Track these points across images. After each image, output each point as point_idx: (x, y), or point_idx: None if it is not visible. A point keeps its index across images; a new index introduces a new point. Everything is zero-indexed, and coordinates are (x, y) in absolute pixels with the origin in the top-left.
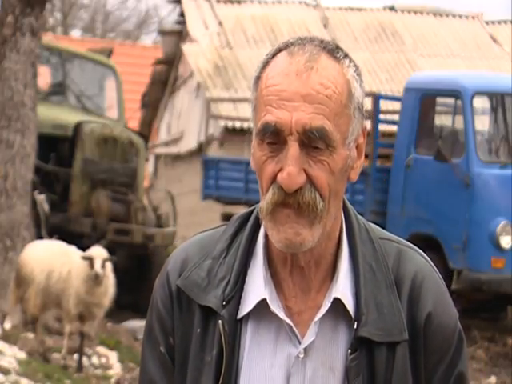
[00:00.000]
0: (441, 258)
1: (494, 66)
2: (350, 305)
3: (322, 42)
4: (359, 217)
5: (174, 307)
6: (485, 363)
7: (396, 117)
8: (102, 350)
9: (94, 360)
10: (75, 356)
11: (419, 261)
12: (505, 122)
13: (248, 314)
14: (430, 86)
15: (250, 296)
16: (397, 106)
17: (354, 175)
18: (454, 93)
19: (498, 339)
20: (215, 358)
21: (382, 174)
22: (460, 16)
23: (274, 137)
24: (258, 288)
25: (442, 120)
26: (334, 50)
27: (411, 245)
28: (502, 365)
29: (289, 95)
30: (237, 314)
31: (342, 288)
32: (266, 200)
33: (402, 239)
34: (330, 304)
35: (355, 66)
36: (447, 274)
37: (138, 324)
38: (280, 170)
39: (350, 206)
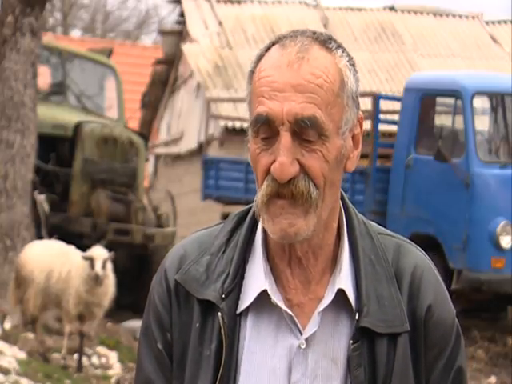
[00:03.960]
0: (441, 258)
1: (494, 66)
2: (351, 296)
3: (314, 33)
4: (357, 212)
5: (172, 303)
6: (485, 363)
7: (396, 117)
8: (101, 350)
9: (94, 360)
10: (75, 356)
11: (418, 255)
12: (505, 122)
13: (247, 309)
14: (430, 86)
15: (250, 290)
16: (397, 106)
17: (351, 165)
18: (454, 93)
19: (498, 339)
20: (214, 352)
21: (382, 174)
22: (460, 16)
23: (267, 129)
24: (257, 281)
25: (442, 120)
26: (326, 41)
27: (409, 240)
28: (502, 365)
29: (280, 86)
30: (236, 308)
31: (345, 279)
32: (260, 192)
33: (399, 235)
34: (333, 295)
35: (348, 56)
36: (447, 274)
37: (137, 324)
38: (273, 161)
39: (348, 200)
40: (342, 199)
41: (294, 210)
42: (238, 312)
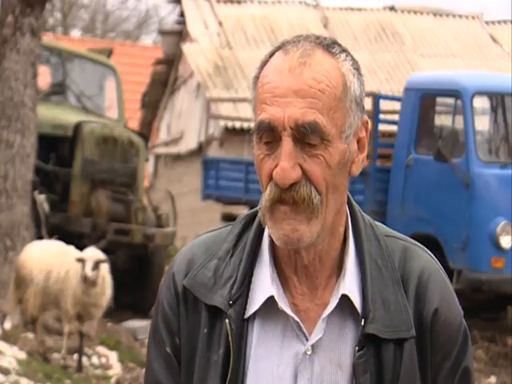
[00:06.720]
0: (441, 258)
1: (494, 66)
2: (357, 301)
3: (317, 38)
4: (364, 214)
5: (180, 307)
6: (485, 363)
7: (396, 117)
8: (101, 350)
9: (94, 360)
10: (75, 356)
11: (425, 258)
12: (505, 122)
13: (255, 313)
14: (430, 86)
15: (257, 295)
16: (397, 106)
17: (356, 169)
18: (454, 93)
19: (498, 339)
20: (222, 358)
21: (382, 174)
22: (460, 16)
23: (270, 134)
24: (265, 286)
25: (442, 120)
26: (329, 45)
27: (416, 242)
28: (502, 365)
29: (282, 91)
30: (244, 313)
31: (349, 285)
32: (264, 197)
33: (407, 237)
34: (337, 301)
35: (352, 59)
36: (447, 274)
37: (138, 324)
38: (276, 166)
39: (354, 203)
40: (349, 202)
41: (297, 215)
42: (245, 317)
